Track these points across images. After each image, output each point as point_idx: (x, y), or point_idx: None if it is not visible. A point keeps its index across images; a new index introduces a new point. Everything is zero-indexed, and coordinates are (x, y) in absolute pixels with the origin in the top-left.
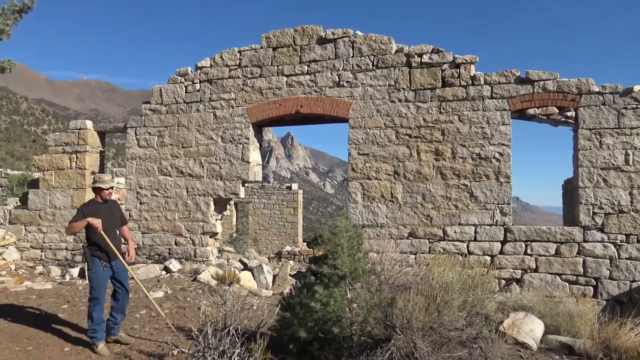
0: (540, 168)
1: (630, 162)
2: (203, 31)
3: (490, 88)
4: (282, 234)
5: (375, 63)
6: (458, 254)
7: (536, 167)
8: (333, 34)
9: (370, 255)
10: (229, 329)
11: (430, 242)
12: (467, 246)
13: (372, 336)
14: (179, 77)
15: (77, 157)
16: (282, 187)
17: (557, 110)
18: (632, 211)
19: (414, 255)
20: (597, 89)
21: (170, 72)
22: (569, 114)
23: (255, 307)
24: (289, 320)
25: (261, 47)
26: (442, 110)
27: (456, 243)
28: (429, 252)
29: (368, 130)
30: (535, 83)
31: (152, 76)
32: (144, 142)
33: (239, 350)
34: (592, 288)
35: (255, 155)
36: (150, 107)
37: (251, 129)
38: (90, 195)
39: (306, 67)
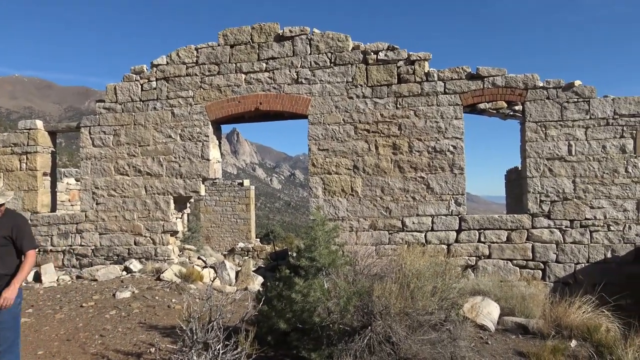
0: (481, 159)
1: (573, 153)
2: (150, 27)
3: (443, 84)
4: (234, 230)
5: (332, 60)
6: (417, 243)
7: (477, 158)
8: (290, 31)
9: (343, 247)
10: (213, 324)
11: (389, 234)
12: (425, 236)
13: (350, 324)
14: (135, 75)
15: (27, 158)
16: (234, 184)
17: (505, 105)
18: (575, 198)
19: (374, 247)
20: (541, 84)
21: (113, 68)
22: (516, 107)
23: (225, 303)
24: (267, 313)
25: (218, 45)
26: (398, 105)
27: (414, 233)
28: (389, 243)
29: (327, 126)
30: (485, 79)
31: (92, 72)
32: (99, 141)
33: (225, 344)
34: (540, 271)
35: (215, 153)
36: (104, 105)
37: (210, 126)
38: (43, 197)
39: (264, 65)
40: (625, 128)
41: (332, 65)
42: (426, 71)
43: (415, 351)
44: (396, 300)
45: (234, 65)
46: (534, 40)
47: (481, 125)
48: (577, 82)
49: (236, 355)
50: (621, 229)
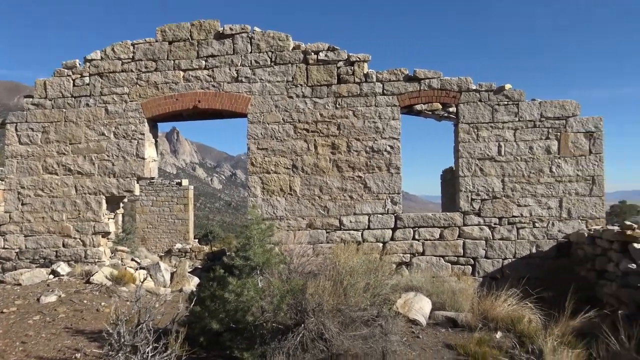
0: (419, 160)
1: (502, 153)
2: (87, 21)
3: (382, 85)
4: (172, 231)
5: (273, 59)
6: (354, 242)
7: (416, 158)
8: (231, 29)
9: (279, 246)
10: (142, 326)
11: (327, 232)
12: (362, 234)
13: (284, 322)
14: (66, 70)
15: None
16: (172, 184)
17: (441, 106)
18: (504, 197)
19: (312, 246)
20: (474, 87)
21: (47, 62)
22: (451, 109)
23: (157, 305)
24: (200, 313)
25: (156, 41)
26: (337, 105)
27: (352, 232)
28: (327, 242)
29: (267, 125)
30: (422, 81)
31: (23, 66)
32: (26, 138)
33: (155, 346)
34: (470, 267)
35: (150, 151)
36: (33, 101)
37: (146, 124)
38: None
39: (204, 62)
40: (550, 130)
41: (272, 64)
42: (365, 72)
43: (347, 347)
44: (329, 297)
45: (172, 62)
46: (470, 44)
47: (420, 126)
48: (508, 86)
49: (165, 357)
50: (545, 225)
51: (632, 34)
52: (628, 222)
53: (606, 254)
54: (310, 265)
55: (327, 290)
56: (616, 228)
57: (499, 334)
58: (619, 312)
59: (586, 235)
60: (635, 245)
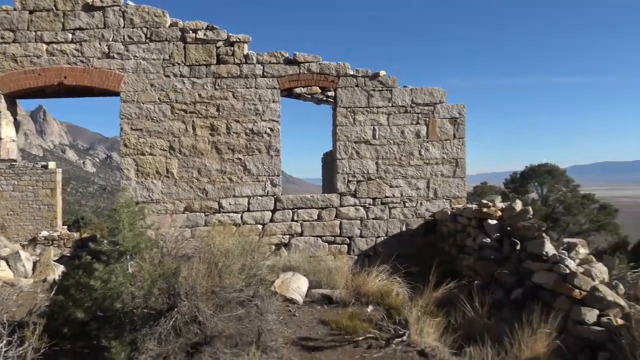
0: (302, 143)
1: (377, 137)
2: None
3: (262, 67)
4: (37, 218)
5: (148, 36)
6: (233, 224)
7: (299, 141)
8: (101, 1)
9: (151, 230)
10: None
11: (206, 215)
12: (241, 217)
13: (156, 307)
14: None
15: None
16: (37, 166)
17: (319, 90)
18: (378, 178)
19: (190, 229)
20: (352, 73)
21: None
22: (329, 93)
23: (15, 297)
24: (63, 303)
25: (14, 9)
26: (217, 86)
27: (231, 214)
28: (205, 225)
29: (142, 104)
30: (302, 64)
31: None
32: None
33: (9, 340)
34: (346, 246)
35: (8, 131)
36: None
37: (3, 100)
38: None
39: (71, 35)
40: (420, 116)
41: (147, 41)
42: (245, 53)
43: (221, 328)
44: (203, 280)
45: (34, 33)
46: (351, 30)
47: (304, 109)
48: (382, 73)
49: (22, 351)
50: (414, 205)
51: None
52: (484, 201)
53: (466, 230)
54: (185, 248)
55: (202, 272)
56: (474, 206)
57: (370, 308)
58: (475, 282)
59: (449, 213)
60: (490, 221)
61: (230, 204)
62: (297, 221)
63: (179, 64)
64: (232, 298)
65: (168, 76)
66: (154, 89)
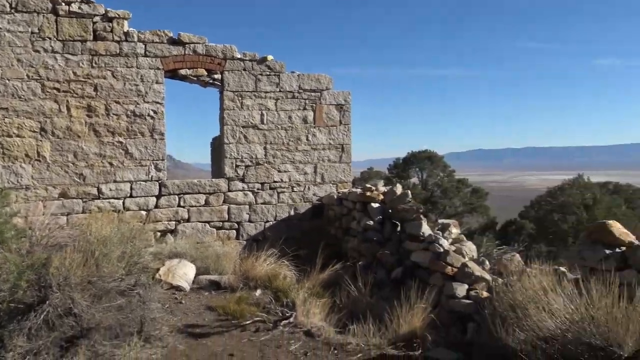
0: (192, 127)
1: (265, 122)
2: None
3: (144, 46)
4: None
5: (13, 5)
6: (114, 211)
7: (189, 125)
8: None
9: (17, 219)
10: None
11: (84, 202)
12: (123, 203)
13: (25, 300)
14: None
15: None
16: None
17: (206, 73)
18: (266, 163)
19: (66, 217)
20: (239, 56)
21: None
22: (216, 76)
23: None
24: None
25: None
26: (94, 64)
27: (112, 200)
28: (83, 212)
29: (7, 81)
30: (187, 45)
31: None
32: None
33: None
34: (235, 231)
35: None
36: None
37: None
38: None
39: None
40: (307, 101)
41: (12, 11)
42: (125, 31)
43: (99, 319)
44: (78, 270)
45: None
46: (238, 13)
47: (193, 91)
48: (270, 57)
49: None
50: (302, 189)
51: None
52: (368, 185)
53: (351, 213)
54: (59, 237)
55: (76, 262)
56: (359, 190)
57: (258, 292)
58: (359, 263)
59: (335, 197)
60: (373, 204)
61: (110, 190)
62: (183, 207)
63: (50, 38)
64: (111, 288)
65: (38, 51)
66: (21, 64)
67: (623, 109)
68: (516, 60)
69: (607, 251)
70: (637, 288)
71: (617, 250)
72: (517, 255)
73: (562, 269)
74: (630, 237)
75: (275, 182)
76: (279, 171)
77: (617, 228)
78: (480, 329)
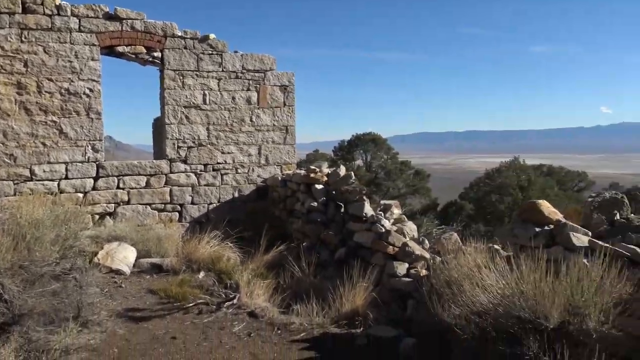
0: (133, 107)
1: (207, 102)
2: None
3: (78, 21)
4: None
5: None
6: (49, 193)
7: (130, 106)
8: None
9: None
10: None
11: (15, 184)
12: (59, 185)
13: None
14: None
15: None
16: None
17: (145, 50)
18: (209, 144)
19: None
20: (180, 34)
21: None
22: (156, 54)
23: None
24: None
25: None
26: (24, 39)
27: (46, 182)
28: (15, 194)
29: None
30: (124, 21)
31: None
32: None
33: None
34: (177, 213)
35: None
36: None
37: None
38: None
39: None
40: (251, 82)
41: None
42: (58, 4)
43: (32, 305)
44: (8, 254)
45: None
46: None
47: (135, 70)
48: (212, 36)
49: None
50: (246, 171)
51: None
52: (312, 167)
53: (295, 195)
54: None
55: (5, 246)
56: (303, 172)
57: (201, 274)
58: (303, 244)
59: (280, 179)
60: (317, 186)
61: (44, 171)
62: (123, 189)
63: None
64: (44, 272)
65: None
66: None
67: (558, 95)
68: (460, 46)
69: (537, 229)
70: (563, 263)
71: (546, 228)
72: (455, 234)
73: (496, 246)
74: (558, 216)
75: (218, 163)
76: (223, 152)
77: (547, 207)
78: (419, 305)
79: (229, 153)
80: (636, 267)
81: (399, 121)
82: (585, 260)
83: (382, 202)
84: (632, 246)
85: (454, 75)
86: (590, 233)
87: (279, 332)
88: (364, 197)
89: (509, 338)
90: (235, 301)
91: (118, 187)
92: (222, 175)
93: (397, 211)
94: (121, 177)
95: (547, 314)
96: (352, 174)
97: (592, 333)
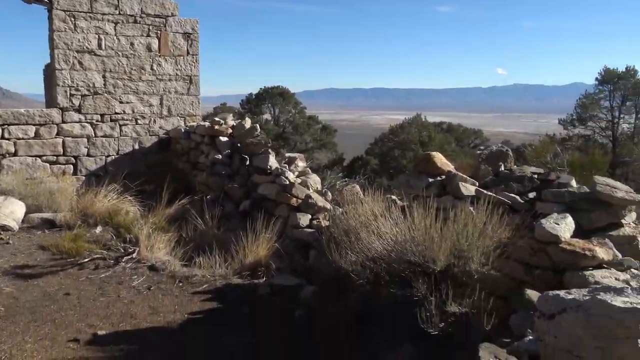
0: (19, 53)
1: (103, 47)
2: None
3: None
4: None
5: None
6: None
7: (14, 51)
8: None
9: None
10: None
11: None
12: None
13: None
14: None
15: None
16: None
17: None
18: (106, 93)
19: None
20: None
21: None
22: None
23: None
24: None
25: None
26: None
27: None
28: None
29: None
30: None
31: None
32: None
33: None
34: (72, 166)
35: None
36: None
37: None
38: None
39: None
40: (151, 27)
41: None
42: None
43: None
44: None
45: None
46: None
47: (22, 11)
48: None
49: None
50: (147, 122)
51: None
52: (216, 118)
53: (199, 147)
54: None
55: None
56: (207, 124)
57: (98, 229)
58: (207, 197)
59: (183, 131)
60: (221, 138)
61: None
62: (9, 139)
63: None
64: None
65: None
66: None
67: (459, 55)
68: (367, 3)
69: (430, 180)
70: (452, 211)
71: (439, 179)
72: (357, 186)
73: (393, 197)
74: (449, 167)
75: (117, 113)
76: (121, 102)
77: (440, 159)
78: (321, 255)
79: (128, 103)
80: (516, 213)
81: (308, 77)
82: (471, 208)
83: (287, 154)
84: (513, 195)
85: (360, 31)
86: (477, 183)
87: (181, 284)
88: (269, 150)
89: (401, 281)
90: (134, 255)
91: (3, 138)
92: (120, 126)
93: (301, 164)
94: (6, 126)
95: (435, 257)
96: (258, 126)
97: (474, 274)
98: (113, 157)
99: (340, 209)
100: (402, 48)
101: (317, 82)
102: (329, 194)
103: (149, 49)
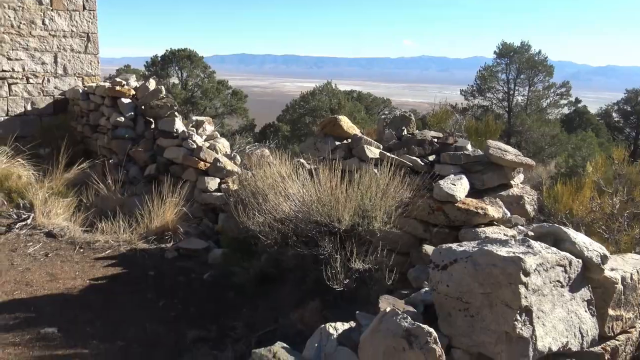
0: None
1: None
2: None
3: None
4: None
5: None
6: None
7: None
8: None
9: None
10: None
11: None
12: None
13: None
14: None
15: None
16: None
17: None
18: None
19: None
20: None
21: None
22: None
23: None
24: None
25: None
26: None
27: None
28: None
29: None
30: None
31: None
32: None
33: None
34: None
35: None
36: None
37: None
38: None
39: None
40: None
41: None
42: None
43: None
44: None
45: None
46: None
47: None
48: None
49: None
50: (41, 82)
51: None
52: (118, 79)
53: (99, 109)
54: None
55: None
56: (108, 84)
57: None
58: (110, 161)
59: (81, 91)
60: (124, 100)
61: None
62: None
63: None
64: None
65: None
66: None
67: (370, 25)
68: None
69: (337, 143)
70: (357, 173)
71: (345, 142)
72: (266, 150)
73: (301, 160)
74: (356, 131)
75: (4, 71)
76: (10, 59)
77: (346, 122)
78: (230, 218)
79: (17, 60)
80: (417, 175)
81: (219, 41)
82: (375, 170)
83: (195, 118)
84: (414, 157)
85: None
86: (381, 146)
87: (82, 250)
88: (176, 113)
89: (308, 241)
90: (29, 221)
91: None
92: (9, 85)
93: (209, 127)
94: None
95: (340, 217)
96: (163, 88)
97: (377, 233)
98: (2, 118)
99: (250, 173)
100: (314, 16)
101: (228, 47)
102: (238, 157)
103: (39, 1)
